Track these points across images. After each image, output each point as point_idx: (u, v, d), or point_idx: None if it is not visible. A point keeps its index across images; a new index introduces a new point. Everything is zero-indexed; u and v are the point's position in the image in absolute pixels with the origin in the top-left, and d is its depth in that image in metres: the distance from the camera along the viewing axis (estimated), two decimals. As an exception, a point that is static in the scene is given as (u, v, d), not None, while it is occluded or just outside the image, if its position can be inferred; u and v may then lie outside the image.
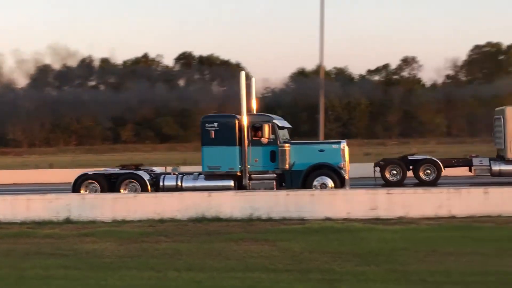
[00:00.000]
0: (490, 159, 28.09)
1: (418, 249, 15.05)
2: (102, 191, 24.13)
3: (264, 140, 23.63)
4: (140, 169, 25.31)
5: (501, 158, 27.84)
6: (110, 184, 24.54)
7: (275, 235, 17.22)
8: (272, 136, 23.68)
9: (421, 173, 27.85)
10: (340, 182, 23.33)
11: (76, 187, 24.45)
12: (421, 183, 27.31)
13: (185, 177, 24.37)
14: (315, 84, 45.67)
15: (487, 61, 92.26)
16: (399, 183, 27.28)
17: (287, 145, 23.79)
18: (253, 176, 23.61)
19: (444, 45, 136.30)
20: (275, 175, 23.64)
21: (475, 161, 28.22)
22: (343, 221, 19.03)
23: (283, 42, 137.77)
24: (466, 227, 17.77)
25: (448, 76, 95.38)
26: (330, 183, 23.42)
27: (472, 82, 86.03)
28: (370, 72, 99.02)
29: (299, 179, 23.47)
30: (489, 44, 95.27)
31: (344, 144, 24.00)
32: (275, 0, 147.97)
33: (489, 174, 27.82)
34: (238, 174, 23.61)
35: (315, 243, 16.09)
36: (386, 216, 19.42)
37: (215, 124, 23.82)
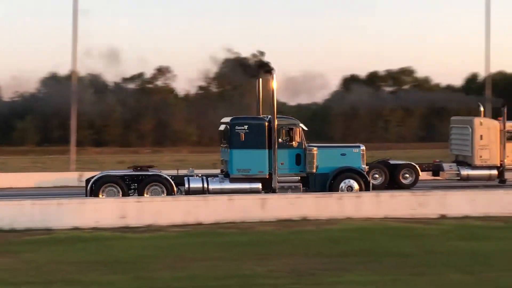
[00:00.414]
0: (457, 165, 29.41)
1: (166, 256, 15.36)
2: (124, 195, 22.66)
3: (295, 143, 23.86)
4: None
5: (464, 163, 29.38)
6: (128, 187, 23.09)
7: (18, 246, 16.50)
8: (299, 140, 23.93)
9: (400, 177, 28.41)
10: (365, 185, 23.89)
11: (94, 190, 22.64)
12: (399, 187, 27.58)
13: (210, 179, 23.55)
14: (68, 89, 44.43)
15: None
16: (382, 187, 27.17)
17: (314, 148, 23.98)
18: (279, 179, 23.34)
19: (198, 57, 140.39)
20: (299, 178, 23.81)
21: (446, 166, 29.45)
22: (91, 230, 18.78)
23: (35, 44, 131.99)
24: (212, 233, 18.50)
25: (200, 87, 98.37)
26: (356, 186, 23.93)
27: (222, 94, 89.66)
28: (125, 80, 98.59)
29: (324, 182, 23.78)
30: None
31: (363, 148, 24.79)
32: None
33: (459, 178, 29.02)
34: (267, 177, 23.37)
35: (61, 253, 15.72)
36: (135, 224, 19.52)
37: (245, 127, 23.59)
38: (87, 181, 23.22)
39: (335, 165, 24.20)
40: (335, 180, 23.95)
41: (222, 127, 24.81)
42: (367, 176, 24.51)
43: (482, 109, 31.28)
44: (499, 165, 28.86)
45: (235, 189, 22.97)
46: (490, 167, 28.92)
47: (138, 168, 24.06)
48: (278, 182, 23.39)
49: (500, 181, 29.08)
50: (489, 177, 28.86)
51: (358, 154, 24.69)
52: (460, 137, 30.39)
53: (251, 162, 23.68)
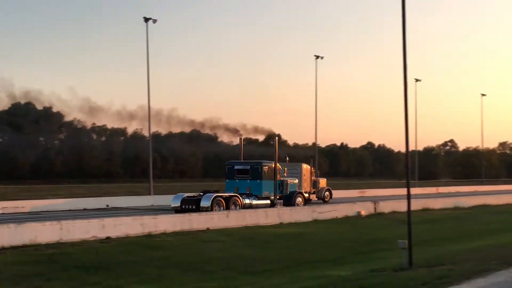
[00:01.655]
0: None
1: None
2: (226, 208, 35.92)
3: (282, 178, 41.01)
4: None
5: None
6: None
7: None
8: (282, 174, 41.06)
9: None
10: (305, 200, 42.58)
11: (211, 205, 35.43)
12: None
13: (252, 197, 38.59)
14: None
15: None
16: None
17: (289, 179, 41.98)
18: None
19: None
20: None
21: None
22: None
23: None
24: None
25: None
26: (302, 200, 42.03)
27: None
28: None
29: (291, 199, 41.04)
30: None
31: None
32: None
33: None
34: (272, 197, 38.99)
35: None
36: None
37: (266, 168, 39.54)
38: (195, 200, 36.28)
39: (294, 189, 42.24)
40: (293, 197, 41.40)
41: (240, 166, 40.33)
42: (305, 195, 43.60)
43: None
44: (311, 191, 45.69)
45: (259, 204, 38.08)
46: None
47: (212, 191, 37.52)
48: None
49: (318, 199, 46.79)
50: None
51: (299, 182, 43.54)
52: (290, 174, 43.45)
53: (268, 188, 39.27)
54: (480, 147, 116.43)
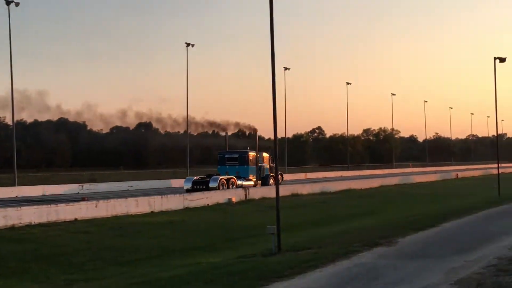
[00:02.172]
0: None
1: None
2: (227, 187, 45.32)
3: (258, 163, 50.10)
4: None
5: None
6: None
7: None
8: (260, 162, 50.34)
9: None
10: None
11: (218, 185, 44.53)
12: None
13: (242, 179, 48.03)
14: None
15: None
16: None
17: (264, 166, 50.89)
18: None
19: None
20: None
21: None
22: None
23: None
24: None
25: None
26: (273, 181, 48.54)
27: None
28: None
29: (266, 180, 50.02)
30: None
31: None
32: None
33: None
34: (254, 179, 49.41)
35: None
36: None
37: (250, 156, 49.56)
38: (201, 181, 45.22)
39: (267, 172, 50.98)
40: (267, 179, 50.38)
41: (229, 155, 50.07)
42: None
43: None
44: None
45: (247, 184, 46.65)
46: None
47: (216, 174, 46.56)
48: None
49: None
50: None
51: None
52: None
53: (253, 172, 49.63)
54: (346, 133, 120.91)
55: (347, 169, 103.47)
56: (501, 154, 48.97)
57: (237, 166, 49.01)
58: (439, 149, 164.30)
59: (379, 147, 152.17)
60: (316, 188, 47.43)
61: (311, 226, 25.46)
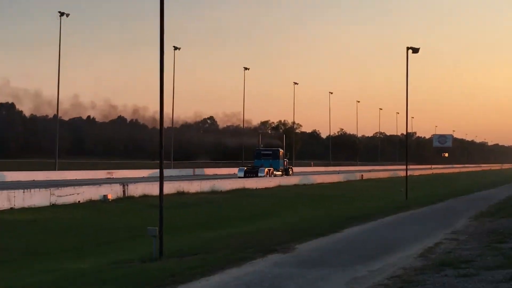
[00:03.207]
0: None
1: None
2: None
3: (282, 157, 76.64)
4: None
5: None
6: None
7: None
8: (283, 157, 77.44)
9: None
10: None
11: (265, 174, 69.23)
12: None
13: (275, 170, 73.39)
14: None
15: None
16: None
17: (286, 160, 77.98)
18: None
19: None
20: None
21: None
22: None
23: None
24: None
25: None
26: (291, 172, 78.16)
27: None
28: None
29: (288, 171, 76.61)
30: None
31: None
32: None
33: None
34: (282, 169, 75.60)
35: None
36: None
37: (280, 152, 76.75)
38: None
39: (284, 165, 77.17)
40: (288, 170, 77.18)
41: (264, 151, 76.20)
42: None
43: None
44: None
45: (278, 174, 72.66)
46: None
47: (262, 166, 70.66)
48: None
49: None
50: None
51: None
52: None
53: (282, 164, 75.71)
54: (242, 125, 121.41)
55: (242, 165, 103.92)
56: (409, 154, 50.78)
57: (270, 160, 73.57)
58: (344, 147, 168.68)
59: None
60: (205, 186, 47.42)
61: (198, 228, 25.45)
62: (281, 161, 75.33)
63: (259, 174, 66.45)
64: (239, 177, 61.32)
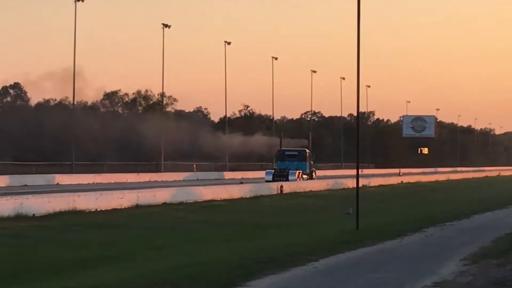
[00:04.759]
0: None
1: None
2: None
3: (309, 159, 67.32)
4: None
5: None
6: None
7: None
8: (310, 159, 67.90)
9: None
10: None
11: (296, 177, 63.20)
12: None
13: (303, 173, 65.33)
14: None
15: None
16: None
17: (311, 162, 68.50)
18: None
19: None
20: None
21: None
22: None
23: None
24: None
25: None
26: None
27: None
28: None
29: (312, 173, 66.97)
30: None
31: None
32: None
33: None
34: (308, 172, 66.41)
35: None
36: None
37: (307, 153, 67.28)
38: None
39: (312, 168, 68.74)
40: (312, 173, 67.05)
41: (289, 152, 67.51)
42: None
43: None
44: None
45: (305, 177, 64.26)
46: None
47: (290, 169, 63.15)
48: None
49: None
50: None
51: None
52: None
53: (308, 167, 66.91)
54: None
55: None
56: (364, 150, 36.67)
57: (295, 162, 64.56)
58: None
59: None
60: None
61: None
62: (308, 164, 65.76)
63: (290, 178, 59.08)
64: (267, 181, 56.90)
